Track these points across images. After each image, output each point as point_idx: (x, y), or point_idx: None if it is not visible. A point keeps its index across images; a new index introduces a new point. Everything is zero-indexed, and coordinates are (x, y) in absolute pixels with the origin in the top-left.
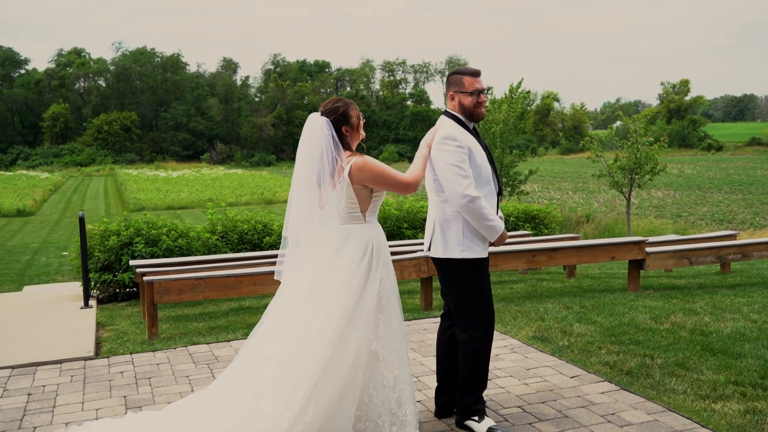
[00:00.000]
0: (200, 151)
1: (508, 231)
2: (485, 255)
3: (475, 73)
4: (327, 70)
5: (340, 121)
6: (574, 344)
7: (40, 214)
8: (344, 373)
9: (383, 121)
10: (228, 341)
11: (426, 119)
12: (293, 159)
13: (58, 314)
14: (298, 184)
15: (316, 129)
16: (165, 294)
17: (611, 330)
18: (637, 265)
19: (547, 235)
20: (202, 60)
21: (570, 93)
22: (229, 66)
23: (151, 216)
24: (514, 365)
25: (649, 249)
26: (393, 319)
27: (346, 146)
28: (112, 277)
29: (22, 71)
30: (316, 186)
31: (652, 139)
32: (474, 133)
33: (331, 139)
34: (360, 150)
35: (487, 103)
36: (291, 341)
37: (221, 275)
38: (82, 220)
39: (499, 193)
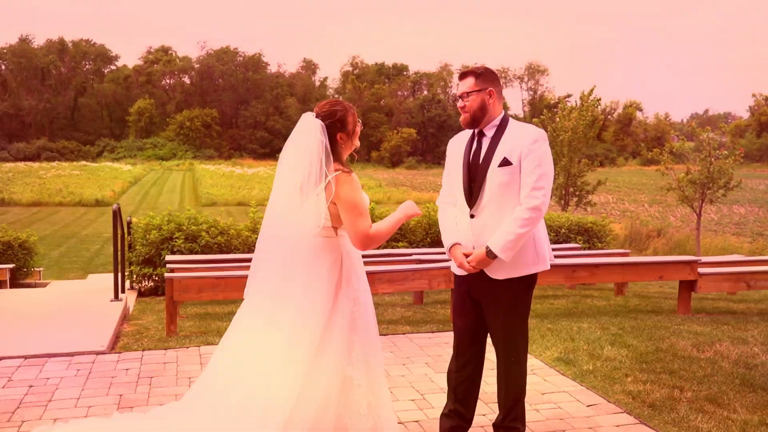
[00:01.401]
0: (277, 150)
1: (558, 243)
2: (457, 272)
3: (459, 77)
4: (405, 73)
5: (335, 127)
6: (599, 369)
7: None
8: (316, 404)
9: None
10: None
11: None
12: (367, 160)
13: (88, 305)
14: (280, 188)
15: (309, 132)
16: (184, 292)
17: (645, 356)
18: (688, 287)
19: (601, 249)
20: (283, 60)
21: (655, 103)
22: (309, 67)
23: (194, 212)
24: (529, 388)
25: (702, 269)
26: (369, 341)
27: (337, 155)
28: (152, 270)
29: (113, 67)
30: (298, 193)
31: (726, 152)
32: (473, 137)
33: (323, 146)
34: (351, 160)
35: (467, 105)
36: (258, 366)
37: (241, 275)
38: (115, 213)
39: (473, 213)
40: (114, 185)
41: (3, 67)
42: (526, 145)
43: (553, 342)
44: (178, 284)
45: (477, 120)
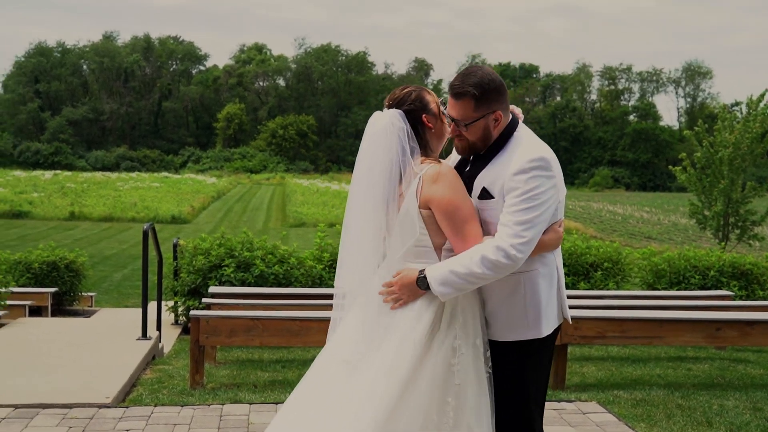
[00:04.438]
0: None
1: (705, 288)
2: None
3: (451, 94)
4: (534, 75)
5: (417, 111)
6: None
7: (194, 223)
8: None
9: (597, 138)
10: (275, 403)
11: (651, 138)
12: None
13: (111, 343)
14: (357, 209)
15: (385, 127)
16: (213, 335)
17: None
18: None
19: (763, 299)
20: (391, 60)
21: None
22: (421, 67)
23: (251, 235)
24: None
25: None
26: (470, 405)
27: (425, 146)
28: (197, 303)
29: (201, 67)
30: (382, 205)
31: None
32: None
33: (406, 135)
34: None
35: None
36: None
37: (283, 317)
38: (146, 234)
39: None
40: (194, 200)
41: (85, 67)
42: (508, 176)
43: (682, 425)
44: (206, 325)
45: (477, 149)
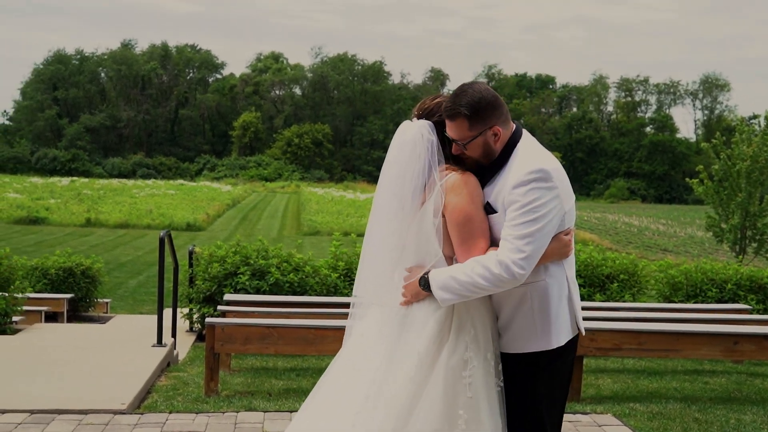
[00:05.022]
0: None
1: (722, 302)
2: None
3: (446, 115)
4: (550, 86)
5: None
6: None
7: (209, 230)
8: None
9: (614, 150)
10: (290, 411)
11: (668, 150)
12: None
13: (126, 350)
14: (380, 218)
15: (414, 138)
16: (228, 342)
17: None
18: None
19: None
20: (407, 69)
21: None
22: (437, 77)
23: (267, 242)
24: None
25: None
26: (482, 418)
27: (450, 158)
28: (212, 310)
29: (218, 76)
30: (405, 220)
31: None
32: None
33: (433, 146)
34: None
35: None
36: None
37: (298, 325)
38: (162, 242)
39: None
40: (209, 208)
41: (102, 74)
42: (507, 189)
43: None
44: (221, 333)
45: (483, 165)
